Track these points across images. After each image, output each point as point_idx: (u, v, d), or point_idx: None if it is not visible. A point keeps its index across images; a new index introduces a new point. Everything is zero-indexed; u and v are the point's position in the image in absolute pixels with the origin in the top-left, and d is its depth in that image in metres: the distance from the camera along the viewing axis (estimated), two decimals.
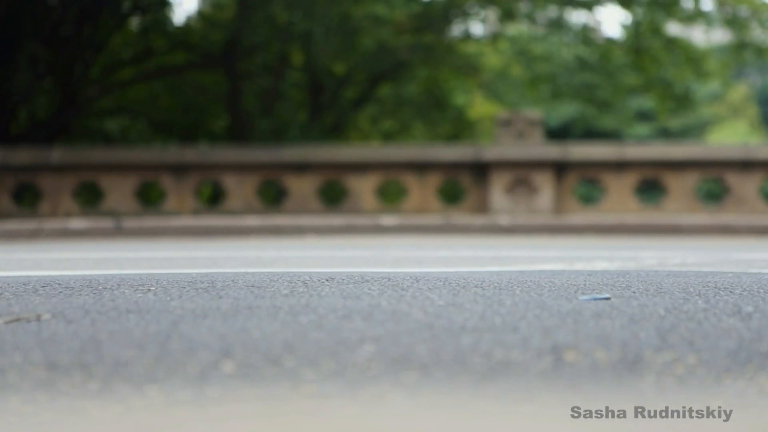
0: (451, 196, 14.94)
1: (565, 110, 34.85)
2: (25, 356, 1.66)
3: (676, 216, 13.23)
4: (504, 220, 12.83)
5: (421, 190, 13.88)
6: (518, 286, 2.49)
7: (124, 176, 13.86)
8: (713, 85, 33.70)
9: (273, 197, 14.96)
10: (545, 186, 13.60)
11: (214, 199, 16.33)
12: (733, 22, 19.88)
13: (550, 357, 1.63)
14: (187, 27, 21.42)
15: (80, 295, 2.41)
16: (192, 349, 1.68)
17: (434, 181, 13.92)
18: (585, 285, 2.55)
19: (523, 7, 20.42)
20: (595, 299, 2.27)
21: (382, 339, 1.74)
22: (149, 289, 2.47)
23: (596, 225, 12.64)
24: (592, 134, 34.24)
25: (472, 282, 2.58)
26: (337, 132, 21.88)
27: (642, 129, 38.15)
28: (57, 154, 13.85)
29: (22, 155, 13.81)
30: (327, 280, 2.65)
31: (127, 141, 20.57)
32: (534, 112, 14.38)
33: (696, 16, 19.90)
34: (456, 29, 22.00)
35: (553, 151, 13.84)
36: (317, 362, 1.61)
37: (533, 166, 13.62)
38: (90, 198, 14.65)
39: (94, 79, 18.48)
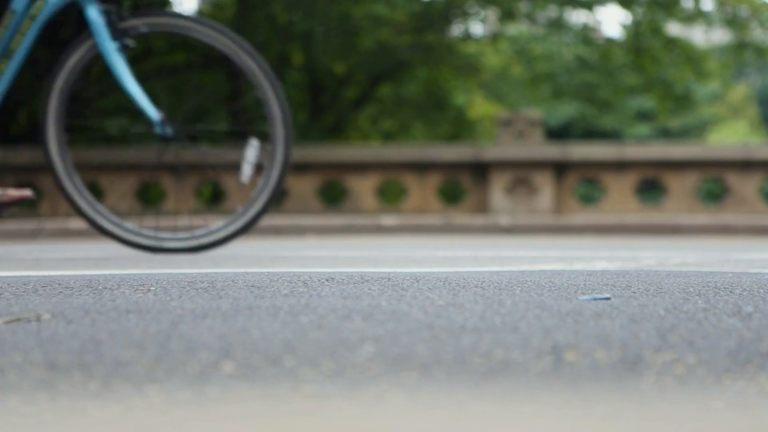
0: (451, 196, 14.95)
1: (565, 110, 34.84)
2: (25, 356, 1.66)
3: (676, 216, 13.23)
4: (504, 220, 12.82)
5: (421, 190, 13.88)
6: (518, 286, 2.49)
7: (124, 176, 13.86)
8: (713, 85, 33.69)
9: None
10: (545, 186, 13.60)
11: (214, 199, 16.32)
12: (733, 22, 19.89)
13: (550, 357, 1.63)
14: None
15: (80, 295, 2.41)
16: (192, 349, 1.68)
17: (434, 181, 13.92)
18: (585, 285, 2.55)
19: (523, 7, 20.42)
20: (595, 299, 2.27)
21: (382, 339, 1.74)
22: (149, 289, 2.47)
23: (596, 225, 12.64)
24: (592, 134, 34.23)
25: (472, 282, 2.58)
26: (337, 132, 21.88)
27: (642, 129, 38.15)
28: None
29: (22, 155, 13.81)
30: (327, 280, 2.65)
31: (127, 141, 20.56)
32: (534, 112, 14.39)
33: (696, 16, 19.91)
34: (456, 29, 22.01)
35: (553, 151, 13.84)
36: (317, 362, 1.61)
37: (533, 166, 13.62)
38: None
39: (94, 79, 18.46)
